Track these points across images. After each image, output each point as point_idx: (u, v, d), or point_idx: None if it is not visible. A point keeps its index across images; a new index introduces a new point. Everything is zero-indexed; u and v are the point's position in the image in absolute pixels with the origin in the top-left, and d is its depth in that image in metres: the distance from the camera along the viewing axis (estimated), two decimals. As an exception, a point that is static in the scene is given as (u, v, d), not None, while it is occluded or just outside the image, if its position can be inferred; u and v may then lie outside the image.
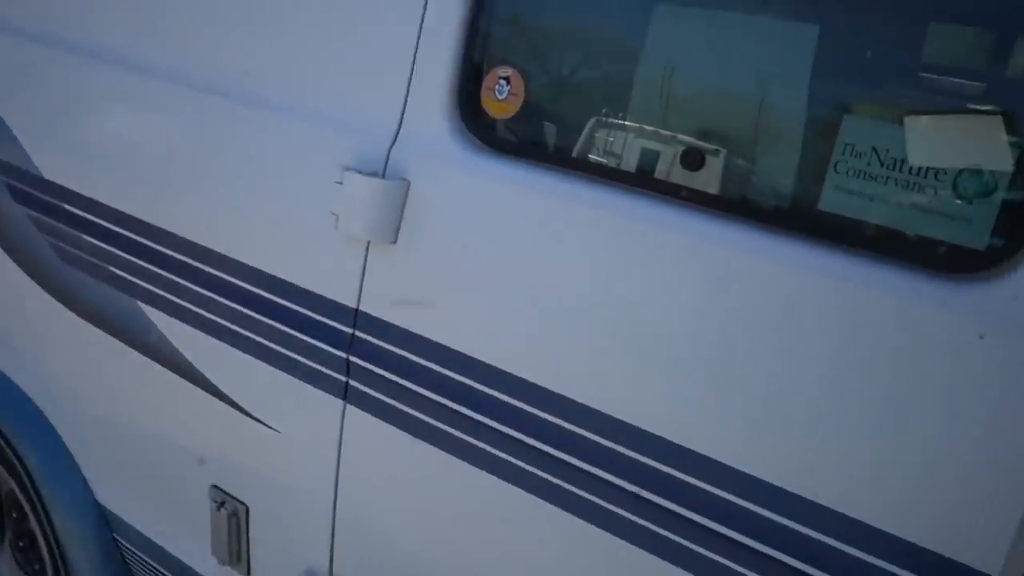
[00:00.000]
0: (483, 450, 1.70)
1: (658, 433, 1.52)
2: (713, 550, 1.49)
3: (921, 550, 1.34)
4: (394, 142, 1.76)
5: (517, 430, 1.66)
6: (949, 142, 1.34)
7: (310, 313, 1.89)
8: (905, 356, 1.33)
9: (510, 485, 1.68)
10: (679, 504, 1.51)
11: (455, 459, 1.74)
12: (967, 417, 1.30)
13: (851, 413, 1.37)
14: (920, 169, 1.34)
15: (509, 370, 1.66)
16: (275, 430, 2.00)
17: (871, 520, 1.37)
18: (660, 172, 1.57)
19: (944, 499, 1.33)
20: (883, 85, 1.43)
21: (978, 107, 1.39)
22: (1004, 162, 1.30)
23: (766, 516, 1.43)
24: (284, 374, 1.94)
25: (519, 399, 1.65)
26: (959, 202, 1.32)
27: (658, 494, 1.53)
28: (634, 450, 1.54)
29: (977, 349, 1.28)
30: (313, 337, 1.89)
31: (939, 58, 1.45)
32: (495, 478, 1.70)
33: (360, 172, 1.75)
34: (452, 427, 1.73)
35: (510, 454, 1.67)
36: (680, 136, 1.56)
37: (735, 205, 1.50)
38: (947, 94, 1.42)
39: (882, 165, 1.36)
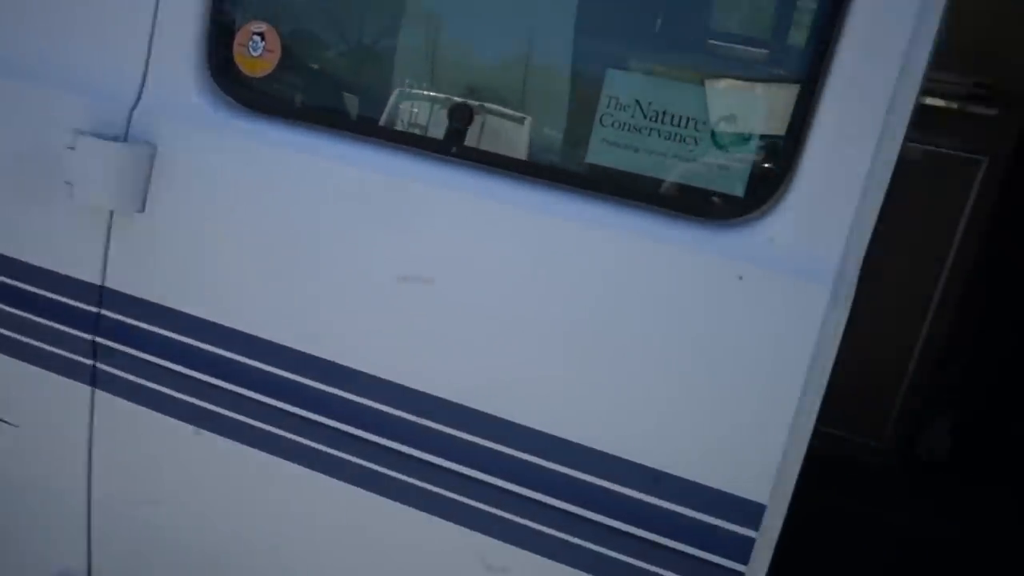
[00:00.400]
0: (249, 425, 1.62)
1: (434, 393, 1.49)
2: (481, 499, 1.49)
3: (696, 486, 1.40)
4: (136, 103, 1.62)
5: (283, 401, 1.58)
6: (710, 96, 1.39)
7: (47, 293, 1.71)
8: (671, 300, 1.38)
9: (280, 459, 1.61)
10: (442, 457, 1.50)
11: (220, 438, 1.64)
12: (731, 355, 1.37)
13: (622, 358, 1.41)
14: (681, 120, 1.38)
15: (270, 339, 1.58)
16: (12, 425, 1.80)
17: (647, 461, 1.41)
18: (425, 129, 1.53)
19: (714, 435, 1.40)
20: (644, 38, 1.46)
21: (736, 61, 1.45)
22: (758, 113, 1.36)
23: (539, 464, 1.44)
24: (20, 362, 1.75)
25: (283, 369, 1.58)
26: (718, 152, 1.38)
27: (425, 450, 1.51)
28: (413, 413, 1.51)
29: (737, 290, 1.34)
30: (52, 319, 1.71)
31: (698, 13, 1.50)
32: (264, 454, 1.62)
33: (97, 136, 1.59)
34: (215, 405, 1.63)
35: (277, 427, 1.60)
36: (445, 93, 1.53)
37: (505, 161, 1.49)
38: (706, 49, 1.47)
39: (645, 117, 1.40)
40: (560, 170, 1.48)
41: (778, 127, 1.35)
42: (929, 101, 3.27)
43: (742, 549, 1.41)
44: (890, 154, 1.29)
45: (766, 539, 1.42)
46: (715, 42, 1.45)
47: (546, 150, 1.54)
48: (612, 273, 1.40)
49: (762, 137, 1.36)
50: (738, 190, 1.38)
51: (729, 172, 1.38)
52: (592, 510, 1.44)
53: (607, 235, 1.39)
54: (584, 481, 1.44)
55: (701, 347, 1.38)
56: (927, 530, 3.04)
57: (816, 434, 3.37)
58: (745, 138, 1.36)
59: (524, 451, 1.46)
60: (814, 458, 3.34)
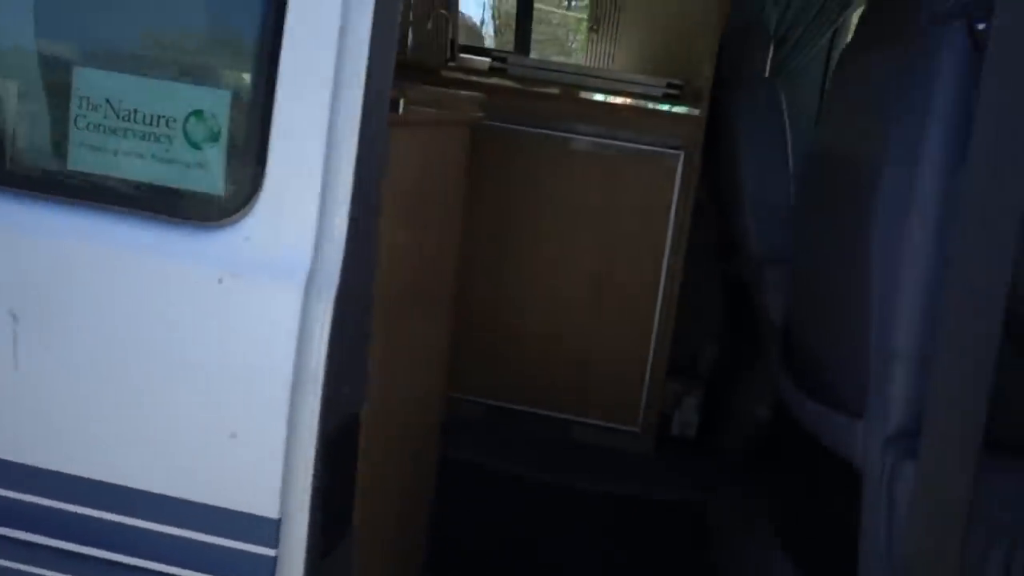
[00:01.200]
0: None
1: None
2: None
3: (201, 507, 1.32)
4: None
5: None
6: (178, 92, 1.32)
7: None
8: (154, 311, 1.30)
9: None
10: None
11: None
12: (219, 364, 1.29)
13: (105, 378, 1.32)
14: (154, 118, 1.31)
15: None
16: None
17: (142, 486, 1.32)
18: None
19: (214, 451, 1.32)
20: (110, 32, 1.38)
21: (209, 54, 1.38)
22: (224, 108, 1.30)
23: (24, 501, 1.33)
24: None
25: None
26: (193, 151, 1.31)
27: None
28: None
29: (217, 294, 1.27)
30: None
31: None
32: None
33: None
34: None
35: None
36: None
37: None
38: (174, 42, 1.39)
39: (118, 117, 1.31)
40: (39, 179, 1.37)
41: (246, 124, 1.29)
42: (631, 102, 3.60)
43: (263, 570, 1.33)
44: (347, 147, 1.25)
45: (289, 555, 1.35)
46: (167, 35, 1.37)
47: (30, 158, 1.42)
48: (94, 287, 1.31)
49: (233, 134, 1.30)
50: (216, 190, 1.31)
51: (206, 172, 1.31)
52: (92, 545, 1.33)
53: (85, 246, 1.30)
54: (78, 514, 1.33)
55: (189, 359, 1.30)
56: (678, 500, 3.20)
57: (581, 426, 3.38)
58: (215, 132, 1.29)
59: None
60: (580, 448, 3.41)
